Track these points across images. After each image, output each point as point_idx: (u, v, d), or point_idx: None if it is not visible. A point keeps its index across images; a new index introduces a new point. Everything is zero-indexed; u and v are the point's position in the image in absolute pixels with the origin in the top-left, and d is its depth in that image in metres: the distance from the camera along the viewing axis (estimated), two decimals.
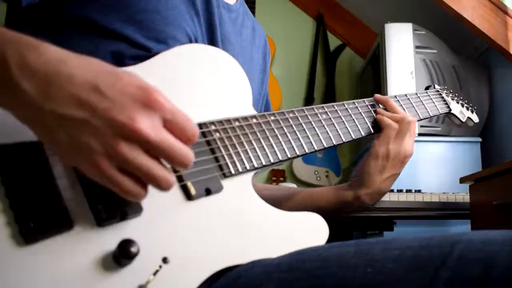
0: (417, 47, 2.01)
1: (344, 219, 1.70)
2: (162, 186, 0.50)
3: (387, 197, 1.58)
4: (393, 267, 0.53)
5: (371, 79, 2.30)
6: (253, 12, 2.71)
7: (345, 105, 0.88)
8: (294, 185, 1.63)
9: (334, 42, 2.95)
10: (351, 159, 2.81)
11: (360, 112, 0.90)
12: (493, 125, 2.07)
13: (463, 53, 2.26)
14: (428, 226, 1.90)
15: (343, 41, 2.96)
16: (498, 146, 2.03)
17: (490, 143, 2.05)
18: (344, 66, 2.95)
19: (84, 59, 0.49)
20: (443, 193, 1.62)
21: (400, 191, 1.69)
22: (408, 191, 1.69)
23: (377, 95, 0.95)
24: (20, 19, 0.71)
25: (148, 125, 0.48)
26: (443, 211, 1.58)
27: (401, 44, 2.01)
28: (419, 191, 1.67)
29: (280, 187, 0.99)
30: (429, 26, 2.11)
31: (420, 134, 1.96)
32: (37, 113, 0.47)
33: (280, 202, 0.96)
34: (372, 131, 0.90)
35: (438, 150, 1.95)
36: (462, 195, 1.57)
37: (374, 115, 0.91)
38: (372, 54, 2.28)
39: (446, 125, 2.02)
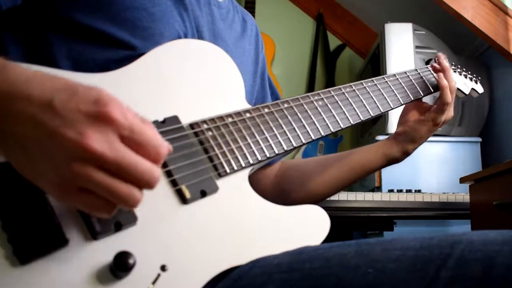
0: (417, 47, 2.01)
1: (344, 219, 1.70)
2: (128, 204, 0.46)
3: (387, 197, 1.58)
4: (394, 267, 0.53)
5: None
6: (253, 12, 2.71)
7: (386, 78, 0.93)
8: None
9: (334, 42, 2.95)
10: None
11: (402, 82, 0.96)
12: (493, 125, 2.07)
13: (463, 53, 2.26)
14: (428, 226, 1.90)
15: (343, 41, 2.96)
16: (498, 146, 2.03)
17: (490, 143, 2.05)
18: (344, 66, 2.95)
19: (45, 78, 0.48)
20: (443, 193, 1.62)
21: (400, 191, 1.69)
22: (408, 191, 1.69)
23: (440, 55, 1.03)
24: (2, 23, 0.69)
25: (101, 140, 0.44)
26: (443, 211, 1.58)
27: (401, 44, 2.01)
28: (419, 191, 1.67)
29: (310, 159, 1.03)
30: (429, 26, 2.10)
31: None
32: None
33: (318, 174, 0.98)
34: (421, 95, 0.96)
35: (438, 150, 1.95)
36: (462, 195, 1.57)
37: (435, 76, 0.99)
38: (372, 54, 2.28)
39: (446, 125, 2.02)
